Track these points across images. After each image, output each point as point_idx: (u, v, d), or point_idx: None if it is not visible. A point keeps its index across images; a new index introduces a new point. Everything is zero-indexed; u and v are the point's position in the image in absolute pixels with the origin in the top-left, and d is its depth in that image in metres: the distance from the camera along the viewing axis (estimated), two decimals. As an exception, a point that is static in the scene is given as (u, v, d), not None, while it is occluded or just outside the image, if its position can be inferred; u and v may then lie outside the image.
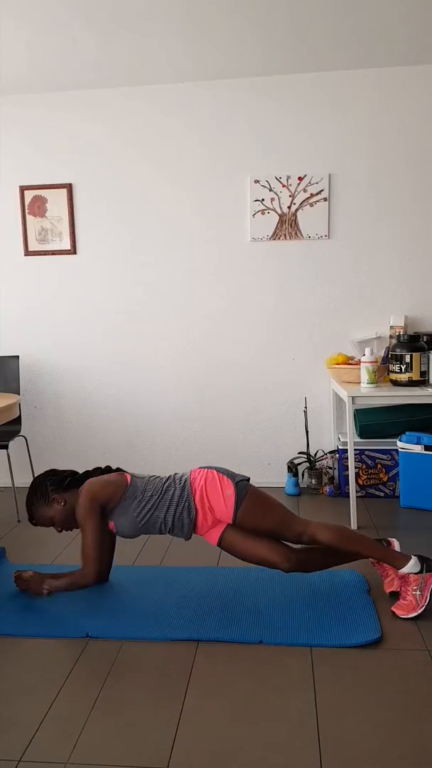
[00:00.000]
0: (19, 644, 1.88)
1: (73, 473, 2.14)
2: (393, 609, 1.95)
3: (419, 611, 1.90)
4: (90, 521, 1.98)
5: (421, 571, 1.95)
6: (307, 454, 3.28)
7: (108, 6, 2.43)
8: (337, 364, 3.03)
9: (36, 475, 2.14)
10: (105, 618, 1.99)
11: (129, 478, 2.07)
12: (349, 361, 3.04)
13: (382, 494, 3.15)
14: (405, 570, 1.96)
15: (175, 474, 2.10)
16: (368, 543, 2.00)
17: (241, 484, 2.02)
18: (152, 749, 1.43)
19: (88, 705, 1.59)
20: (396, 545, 2.12)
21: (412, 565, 1.96)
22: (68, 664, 1.77)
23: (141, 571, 2.36)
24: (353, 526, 2.73)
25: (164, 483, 2.06)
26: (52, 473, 2.12)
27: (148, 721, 1.53)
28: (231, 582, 2.20)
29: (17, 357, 3.37)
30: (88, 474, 2.14)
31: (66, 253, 3.37)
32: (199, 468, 2.08)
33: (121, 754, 1.42)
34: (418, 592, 1.93)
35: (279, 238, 3.22)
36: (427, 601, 1.91)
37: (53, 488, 2.07)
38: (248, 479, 2.06)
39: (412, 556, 1.98)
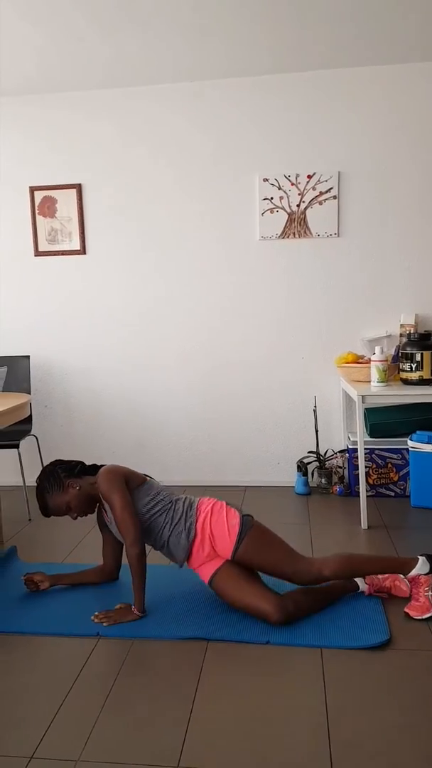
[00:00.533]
0: (31, 642, 1.89)
1: (81, 462, 2.14)
2: (406, 610, 1.93)
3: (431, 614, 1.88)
4: (116, 492, 1.92)
5: (430, 572, 1.94)
6: (317, 453, 3.27)
7: (115, 6, 2.43)
8: (347, 362, 3.02)
9: (43, 467, 2.13)
10: (115, 617, 2.00)
11: (147, 479, 2.09)
12: (359, 359, 3.02)
13: (393, 494, 3.13)
14: (414, 572, 1.94)
15: (188, 495, 2.09)
16: (375, 561, 1.99)
17: (247, 518, 1.99)
18: (163, 748, 1.44)
19: (99, 703, 1.60)
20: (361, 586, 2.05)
21: (420, 566, 1.94)
22: (79, 662, 1.78)
23: (150, 570, 2.35)
24: (363, 525, 2.72)
25: (175, 497, 2.06)
26: (60, 462, 2.11)
27: (159, 719, 1.53)
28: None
29: (28, 357, 3.40)
30: (97, 466, 2.14)
31: (76, 254, 3.38)
32: (209, 497, 2.08)
33: (131, 752, 1.43)
34: (430, 593, 1.91)
35: (288, 237, 3.20)
36: None
37: (65, 474, 2.05)
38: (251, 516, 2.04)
39: (419, 557, 1.97)
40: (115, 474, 1.98)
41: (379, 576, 2.03)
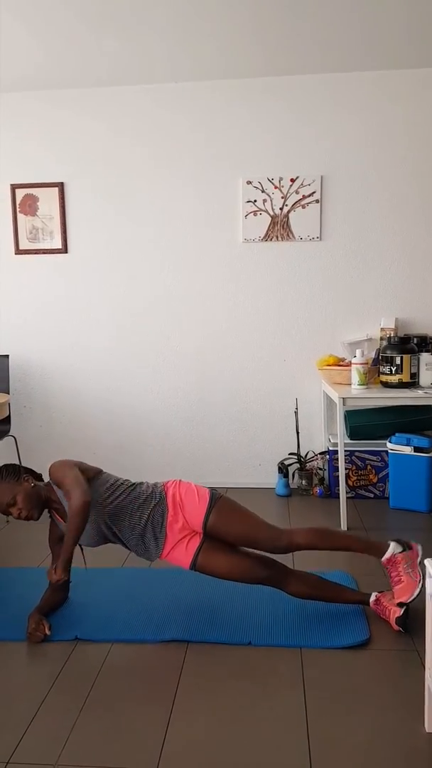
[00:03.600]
0: (8, 647, 1.86)
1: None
2: (397, 601, 1.87)
3: (419, 587, 1.83)
4: (68, 472, 1.90)
5: (404, 550, 1.95)
6: (298, 455, 3.29)
7: (103, 3, 2.42)
8: (328, 365, 3.04)
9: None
10: (94, 620, 1.98)
11: (101, 471, 2.06)
12: (340, 362, 3.05)
13: (372, 495, 3.16)
14: (389, 553, 1.94)
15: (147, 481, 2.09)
16: (348, 538, 2.01)
17: (215, 492, 2.00)
18: (142, 751, 1.42)
19: (77, 707, 1.58)
20: (418, 550, 1.99)
21: (393, 548, 1.95)
22: (57, 666, 1.76)
23: (130, 573, 2.35)
24: (343, 527, 2.74)
25: (137, 482, 2.04)
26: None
27: (138, 722, 1.52)
28: (220, 583, 2.19)
29: (7, 356, 3.35)
30: None
31: (57, 252, 3.35)
32: (173, 480, 2.06)
33: (110, 755, 1.41)
34: (409, 570, 1.90)
35: (271, 240, 3.22)
36: (422, 575, 1.84)
37: (26, 470, 2.03)
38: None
39: (390, 542, 1.96)
40: (67, 461, 1.98)
41: (385, 604, 1.92)
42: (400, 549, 1.95)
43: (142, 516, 1.94)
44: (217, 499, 1.97)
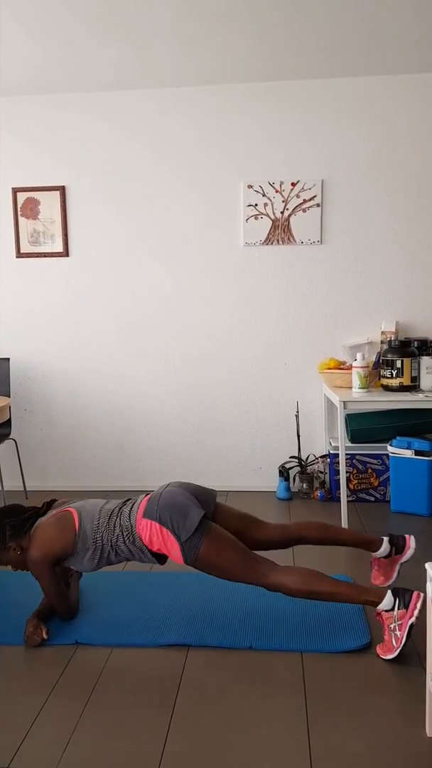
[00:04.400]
0: (7, 651, 1.86)
1: (36, 512, 2.04)
2: (376, 649, 1.81)
3: (395, 653, 1.73)
4: (44, 577, 1.92)
5: (392, 609, 1.76)
6: (299, 458, 3.29)
7: (105, 8, 2.43)
8: (329, 368, 3.04)
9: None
10: (94, 624, 1.97)
11: (77, 521, 1.92)
12: (341, 365, 3.05)
13: (373, 499, 3.16)
14: (379, 608, 1.79)
15: (122, 512, 1.94)
16: (341, 587, 1.81)
17: (189, 545, 1.82)
18: (142, 755, 1.42)
19: (77, 711, 1.58)
20: (410, 543, 2.05)
21: (385, 603, 1.78)
22: (57, 670, 1.76)
23: (130, 576, 2.35)
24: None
25: (111, 530, 1.91)
26: (13, 512, 2.01)
27: (138, 727, 1.52)
28: (221, 587, 2.19)
29: (8, 359, 3.35)
30: (51, 504, 2.08)
31: (58, 256, 3.35)
32: (143, 516, 1.88)
33: (110, 760, 1.41)
34: (396, 631, 1.75)
35: (272, 243, 3.23)
36: (404, 642, 1.71)
37: (11, 533, 1.96)
38: (206, 514, 1.89)
39: (388, 592, 1.79)
40: (45, 560, 1.90)
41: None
42: (390, 605, 1.77)
43: (136, 560, 1.95)
44: (194, 559, 1.83)
